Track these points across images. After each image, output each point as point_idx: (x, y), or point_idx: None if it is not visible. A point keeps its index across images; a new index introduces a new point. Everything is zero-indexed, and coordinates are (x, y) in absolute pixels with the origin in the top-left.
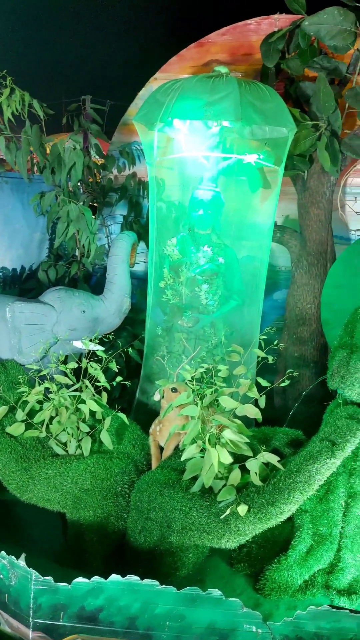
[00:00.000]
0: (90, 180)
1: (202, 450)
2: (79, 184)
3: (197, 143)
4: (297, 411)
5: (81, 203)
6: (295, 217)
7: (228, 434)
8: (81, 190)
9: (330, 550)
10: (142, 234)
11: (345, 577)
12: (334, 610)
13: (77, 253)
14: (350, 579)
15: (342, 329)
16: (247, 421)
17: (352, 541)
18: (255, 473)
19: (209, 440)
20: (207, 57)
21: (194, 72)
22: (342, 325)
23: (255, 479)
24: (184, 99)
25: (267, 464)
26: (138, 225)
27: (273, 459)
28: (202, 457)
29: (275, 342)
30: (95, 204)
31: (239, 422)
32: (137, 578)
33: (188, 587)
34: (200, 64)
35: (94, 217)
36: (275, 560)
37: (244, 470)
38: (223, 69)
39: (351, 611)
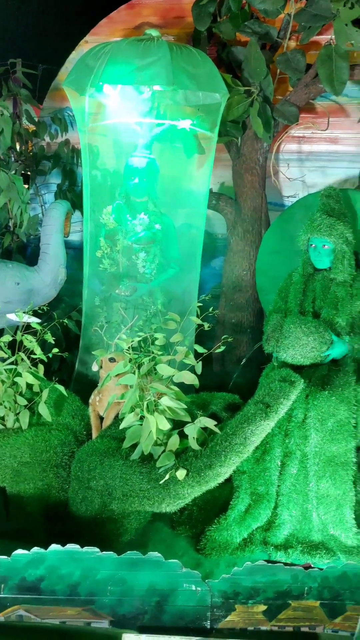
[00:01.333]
0: (22, 148)
1: (141, 418)
2: (9, 151)
3: (130, 109)
4: (237, 376)
5: (13, 172)
6: (230, 184)
7: (166, 401)
8: (12, 158)
9: (267, 508)
10: (77, 203)
11: (282, 533)
12: (269, 564)
13: (10, 224)
14: (286, 534)
15: (276, 294)
16: (186, 388)
17: (288, 498)
18: (193, 438)
19: (147, 407)
20: (138, 20)
21: (125, 35)
22: (276, 290)
23: (193, 443)
24: (114, 63)
25: (205, 429)
26: (72, 194)
27: (210, 423)
28: (141, 424)
29: (210, 309)
30: (27, 173)
31: (176, 389)
32: (78, 546)
33: (128, 552)
34: (132, 27)
35: (26, 186)
36: (215, 521)
37: (183, 436)
38: (154, 32)
39: (285, 564)
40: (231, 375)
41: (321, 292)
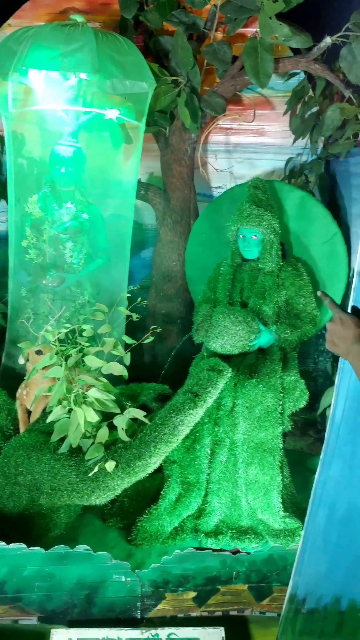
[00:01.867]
0: None
1: (69, 411)
2: None
3: (55, 96)
4: (169, 367)
5: None
6: (159, 174)
7: (94, 393)
8: None
9: (197, 496)
10: (1, 192)
11: (212, 520)
12: (198, 551)
13: None
14: (216, 521)
15: (205, 284)
16: (115, 379)
17: (218, 486)
18: (123, 429)
19: (75, 400)
20: (64, 5)
21: (49, 20)
22: (205, 281)
23: (122, 434)
24: (37, 47)
25: (135, 420)
26: None
27: (139, 414)
28: (69, 417)
29: (139, 300)
30: None
31: (105, 380)
32: (4, 543)
33: (56, 547)
34: (57, 12)
35: None
36: (146, 511)
37: (112, 428)
38: (79, 18)
39: (214, 550)
40: (162, 366)
41: (249, 282)
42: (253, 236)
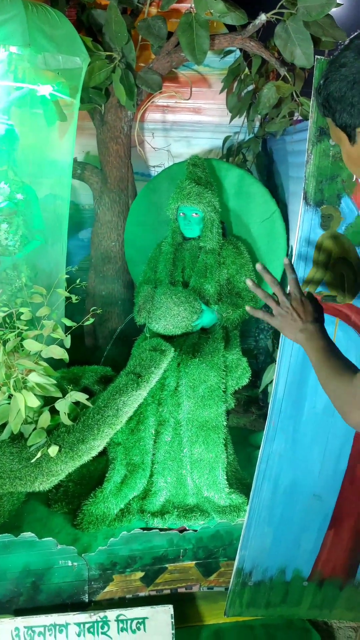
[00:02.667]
0: None
1: (9, 397)
2: None
3: None
4: (110, 349)
5: None
6: (96, 153)
7: (34, 377)
8: None
9: (143, 477)
10: None
11: (158, 500)
12: (145, 532)
13: None
14: (162, 501)
15: (145, 265)
16: (56, 363)
17: (163, 466)
18: (65, 413)
19: (14, 385)
20: None
21: None
22: (145, 261)
23: (65, 419)
24: None
25: (77, 404)
26: None
27: (82, 397)
28: (9, 403)
29: (78, 281)
30: None
31: (45, 364)
32: None
33: None
34: None
35: None
36: (92, 495)
37: (54, 412)
38: None
39: (161, 530)
40: (103, 349)
41: (190, 261)
42: (194, 214)
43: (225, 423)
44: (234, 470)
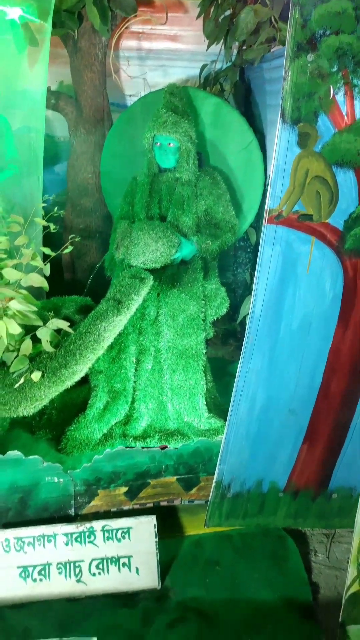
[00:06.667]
0: None
1: None
2: None
3: None
4: (91, 283)
5: None
6: (70, 82)
7: (14, 305)
8: None
9: (125, 403)
10: None
11: (139, 425)
12: (128, 449)
13: None
14: (144, 426)
15: (122, 198)
16: (37, 294)
17: (144, 392)
18: (47, 340)
19: None
20: None
21: None
22: (122, 194)
23: (46, 346)
24: None
25: (58, 332)
26: None
27: (63, 324)
28: None
29: (55, 209)
30: None
31: (25, 292)
32: None
33: None
34: None
35: None
36: (75, 421)
37: (36, 340)
38: None
39: (143, 447)
40: (83, 283)
41: (167, 193)
42: (170, 143)
43: (204, 351)
44: (212, 397)
